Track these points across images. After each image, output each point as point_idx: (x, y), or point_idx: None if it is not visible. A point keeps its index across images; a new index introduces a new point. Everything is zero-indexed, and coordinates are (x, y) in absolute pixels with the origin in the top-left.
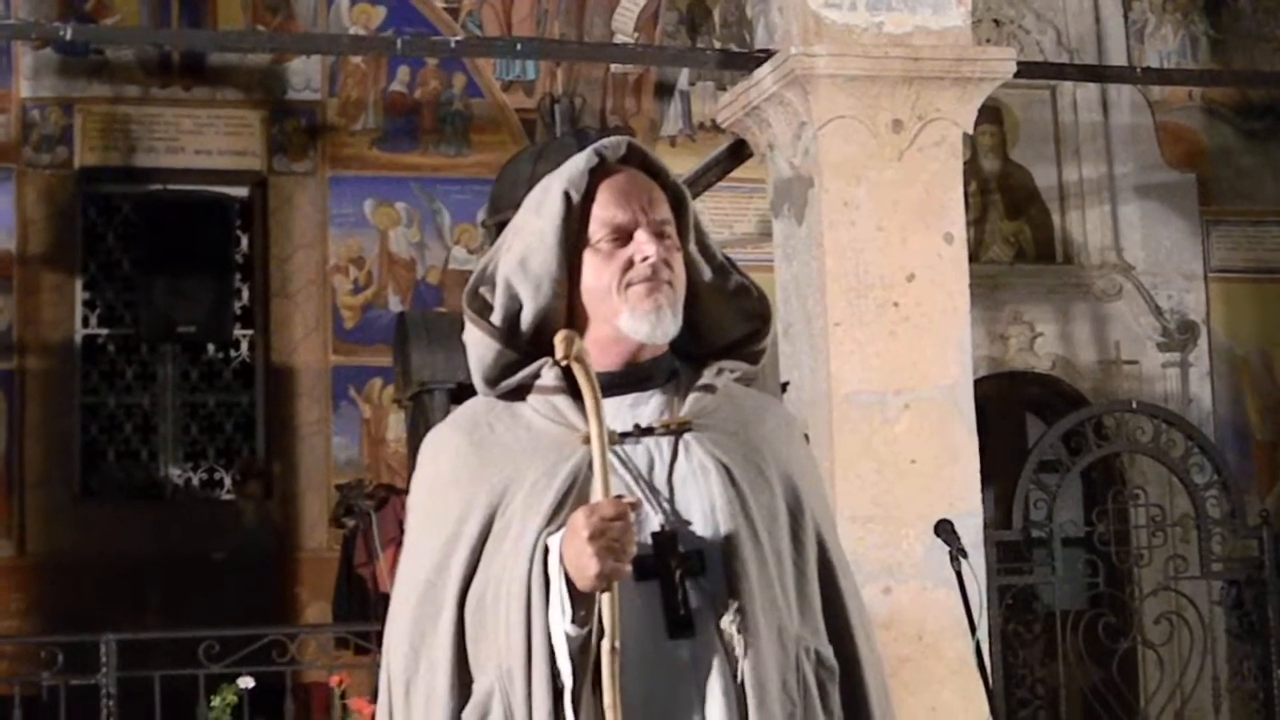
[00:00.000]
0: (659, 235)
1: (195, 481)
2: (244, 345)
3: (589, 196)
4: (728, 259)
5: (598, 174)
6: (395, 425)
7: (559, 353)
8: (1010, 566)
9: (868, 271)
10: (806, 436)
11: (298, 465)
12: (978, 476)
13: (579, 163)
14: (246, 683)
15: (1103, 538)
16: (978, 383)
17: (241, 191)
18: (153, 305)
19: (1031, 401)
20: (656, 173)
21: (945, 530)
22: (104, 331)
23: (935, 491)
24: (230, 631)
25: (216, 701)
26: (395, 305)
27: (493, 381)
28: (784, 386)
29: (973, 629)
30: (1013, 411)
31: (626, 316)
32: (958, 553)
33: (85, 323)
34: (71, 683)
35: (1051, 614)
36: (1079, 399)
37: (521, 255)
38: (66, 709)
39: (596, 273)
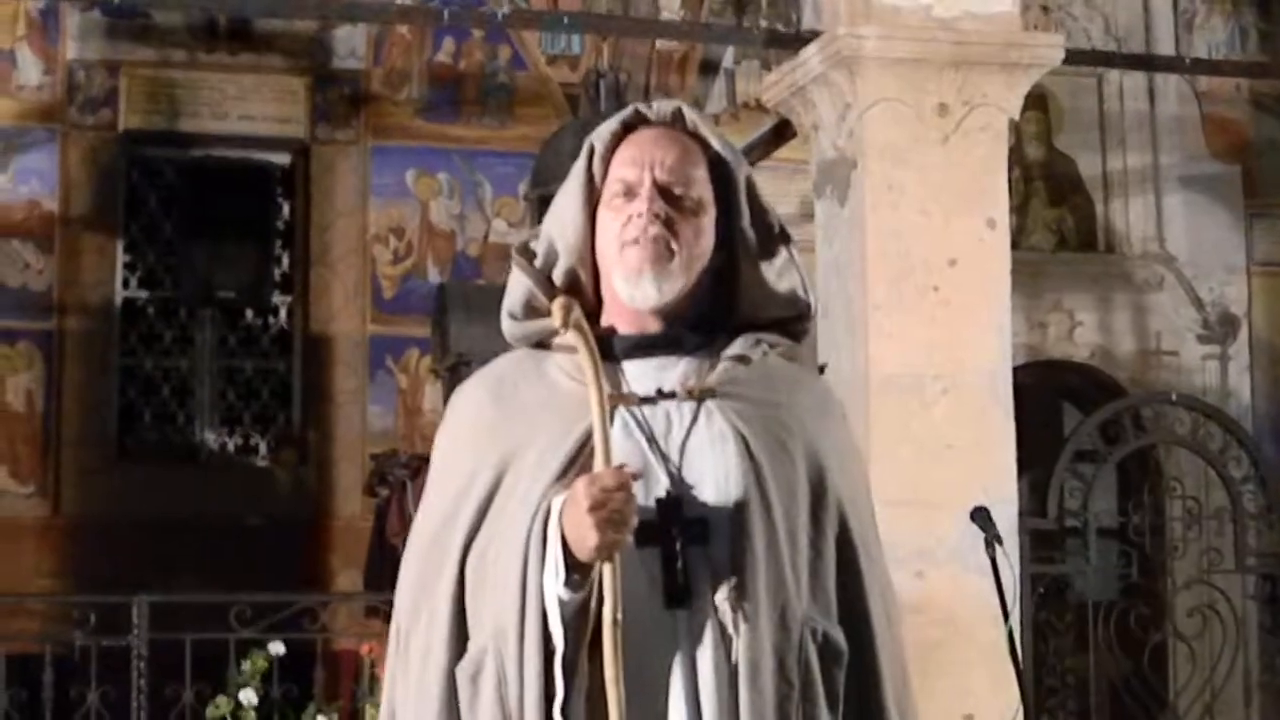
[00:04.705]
0: (666, 195)
1: (230, 447)
2: (282, 312)
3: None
4: (789, 250)
5: (633, 131)
6: (431, 396)
7: (555, 320)
8: (1043, 555)
9: (909, 255)
10: None
11: (333, 433)
12: (1014, 463)
13: (616, 117)
14: (277, 648)
15: (1137, 529)
16: (1016, 370)
17: (284, 159)
18: (193, 270)
19: (1069, 390)
20: (701, 139)
21: (981, 517)
22: (144, 294)
23: (971, 477)
24: (262, 597)
25: (247, 666)
26: (434, 276)
27: (516, 315)
28: (822, 368)
29: (1005, 616)
30: (1050, 400)
31: (617, 277)
32: (993, 539)
33: (125, 285)
34: (103, 643)
35: (1083, 604)
36: (1117, 389)
37: (557, 206)
38: (97, 669)
39: (606, 230)
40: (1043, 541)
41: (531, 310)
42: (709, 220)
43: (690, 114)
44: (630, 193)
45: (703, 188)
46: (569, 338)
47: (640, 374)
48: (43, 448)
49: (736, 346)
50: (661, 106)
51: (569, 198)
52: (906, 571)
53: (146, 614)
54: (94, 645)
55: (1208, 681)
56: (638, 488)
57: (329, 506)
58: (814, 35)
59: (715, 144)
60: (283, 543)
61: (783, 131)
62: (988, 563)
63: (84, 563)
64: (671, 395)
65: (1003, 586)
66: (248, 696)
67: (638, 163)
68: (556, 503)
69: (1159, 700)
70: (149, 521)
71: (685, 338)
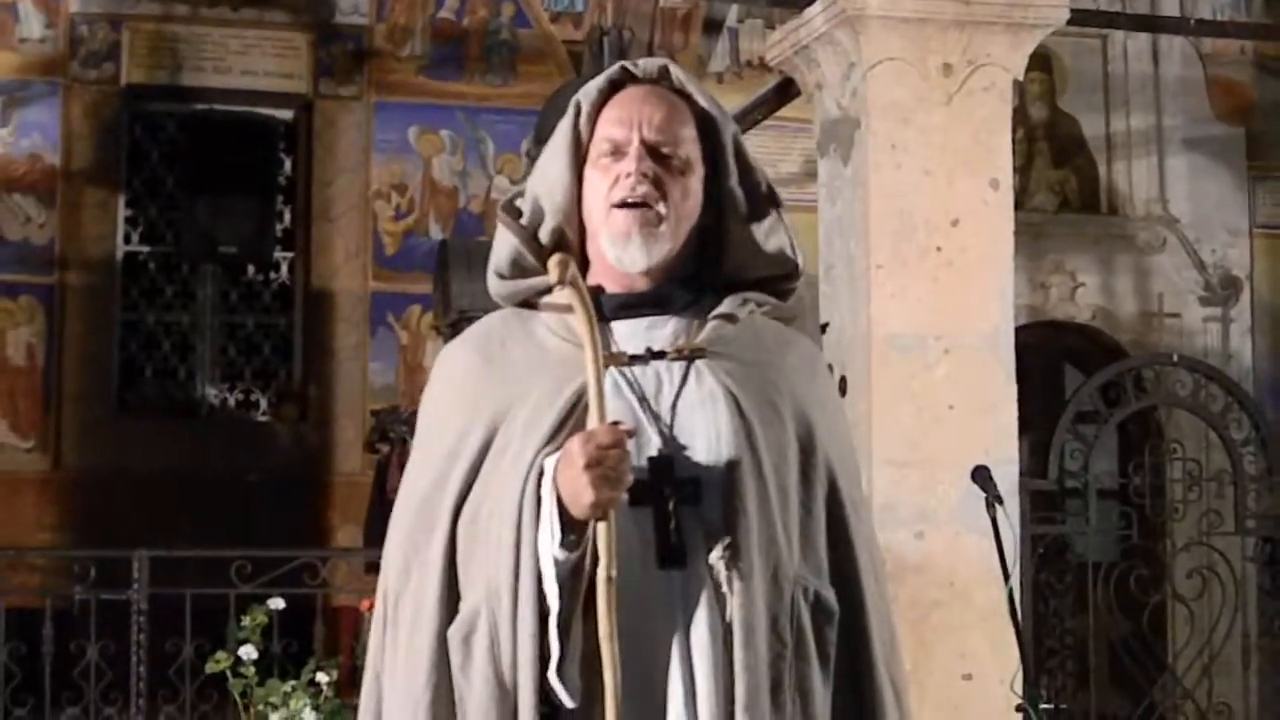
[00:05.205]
0: (655, 154)
1: (231, 402)
2: (284, 268)
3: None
4: (777, 208)
5: (621, 89)
6: (433, 352)
7: (552, 277)
8: (1044, 516)
9: (912, 214)
10: (844, 381)
11: (334, 389)
12: (1015, 424)
13: (603, 75)
14: (277, 604)
15: (1138, 490)
16: (1017, 331)
17: (286, 114)
18: (195, 224)
19: (1070, 351)
20: (688, 97)
21: (982, 477)
22: (145, 249)
23: (972, 438)
24: (262, 552)
25: (247, 621)
26: (436, 233)
27: (503, 273)
28: (824, 328)
29: (1006, 577)
30: (1051, 361)
31: (605, 239)
32: (993, 500)
33: (127, 239)
34: (103, 597)
35: (1083, 565)
36: (1118, 350)
37: (543, 164)
38: (97, 623)
39: (594, 188)
40: (1043, 502)
41: (518, 269)
42: (696, 180)
43: (677, 71)
44: (618, 152)
45: (690, 147)
46: (563, 295)
47: (629, 333)
48: (43, 402)
49: (724, 305)
50: (648, 64)
51: (556, 156)
52: (907, 532)
53: (147, 568)
54: (94, 599)
55: (1206, 643)
56: (629, 447)
57: (329, 462)
58: None
59: (702, 102)
60: (283, 498)
61: (786, 90)
62: (988, 523)
63: (84, 517)
64: (661, 355)
65: (1003, 547)
66: (247, 651)
67: (625, 122)
68: (549, 462)
69: (1158, 661)
70: (149, 476)
71: (674, 296)
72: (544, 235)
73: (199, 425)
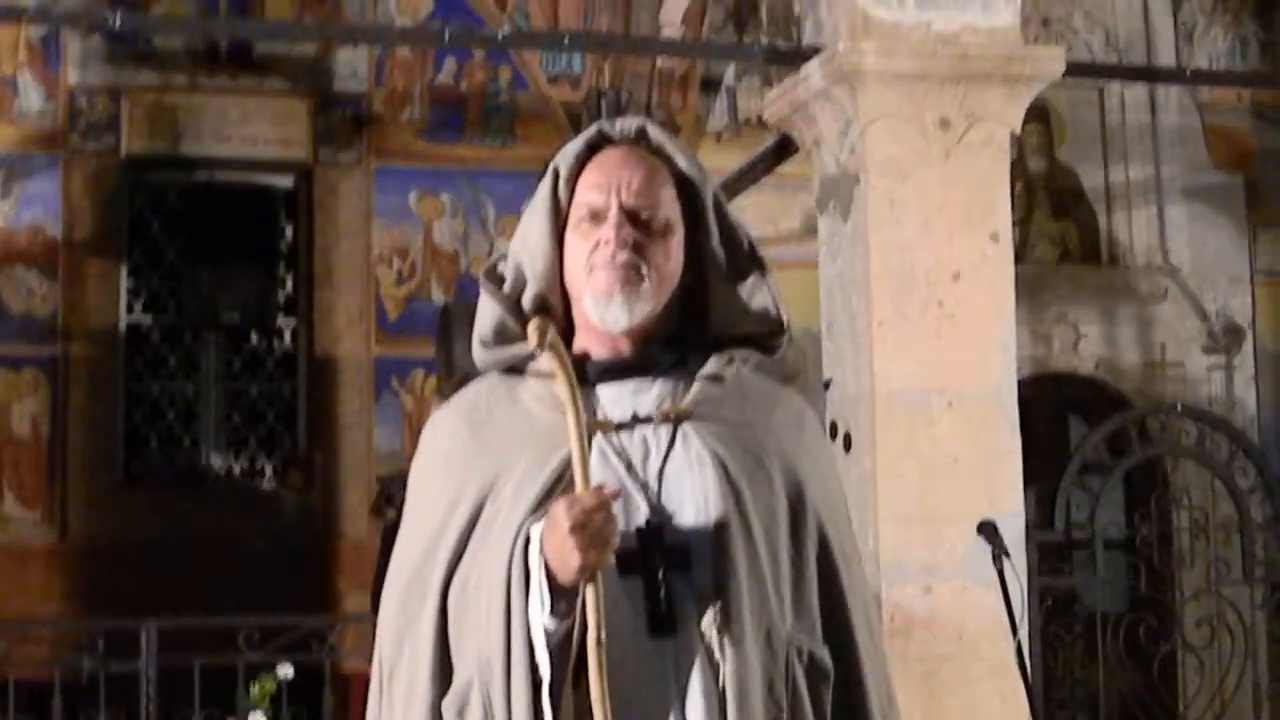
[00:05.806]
0: (634, 219)
1: (237, 470)
2: (287, 335)
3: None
4: (759, 267)
5: (599, 151)
6: None
7: (531, 342)
8: (1051, 568)
9: (913, 270)
10: (849, 438)
11: (339, 455)
12: (1020, 477)
13: (580, 138)
14: (286, 671)
15: (1145, 540)
16: (1020, 383)
17: (287, 181)
18: (197, 293)
19: (1074, 403)
20: (667, 157)
21: (988, 530)
22: (148, 319)
23: (977, 491)
24: (270, 620)
25: (256, 690)
26: (438, 297)
27: (487, 342)
28: (827, 384)
29: (1014, 630)
30: (1055, 413)
31: (588, 300)
32: (1000, 553)
33: (129, 310)
34: (112, 669)
35: (1092, 616)
36: (1122, 401)
37: (524, 230)
38: (106, 695)
39: (575, 253)
40: (1050, 554)
41: (503, 337)
42: (677, 241)
43: (655, 131)
44: (597, 217)
45: (670, 208)
46: (545, 361)
47: (615, 398)
48: (49, 474)
49: (710, 366)
50: (625, 124)
51: (535, 223)
52: (914, 587)
53: (155, 639)
54: (103, 671)
55: (1217, 692)
56: (616, 510)
57: (336, 528)
58: (815, 51)
59: (681, 162)
60: (290, 565)
61: (785, 147)
62: (995, 577)
63: (91, 588)
64: (647, 420)
65: (1011, 600)
66: (257, 719)
67: (604, 187)
68: (535, 530)
69: (1169, 712)
70: (156, 546)
71: (659, 359)
72: (526, 302)
73: (204, 494)
